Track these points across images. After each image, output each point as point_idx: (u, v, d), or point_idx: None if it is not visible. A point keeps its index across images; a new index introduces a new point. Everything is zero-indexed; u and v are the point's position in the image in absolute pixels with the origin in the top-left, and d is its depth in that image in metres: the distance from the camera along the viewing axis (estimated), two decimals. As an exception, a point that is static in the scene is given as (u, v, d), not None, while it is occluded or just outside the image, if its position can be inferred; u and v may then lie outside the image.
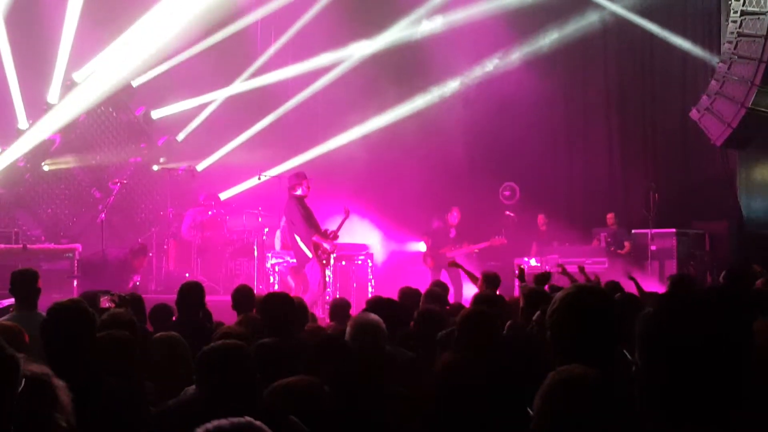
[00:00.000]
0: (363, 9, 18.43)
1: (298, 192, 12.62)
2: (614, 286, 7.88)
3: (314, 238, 12.42)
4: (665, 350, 2.32)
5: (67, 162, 16.92)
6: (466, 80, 18.12)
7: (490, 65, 17.93)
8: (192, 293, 7.28)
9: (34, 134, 16.47)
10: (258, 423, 2.00)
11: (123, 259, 14.72)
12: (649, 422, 2.36)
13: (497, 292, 9.24)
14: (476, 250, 15.22)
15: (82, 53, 16.88)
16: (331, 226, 13.04)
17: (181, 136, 18.75)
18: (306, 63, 18.48)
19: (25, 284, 6.83)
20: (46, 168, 16.66)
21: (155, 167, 17.75)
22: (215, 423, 1.96)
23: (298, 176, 12.83)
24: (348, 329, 5.19)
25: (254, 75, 18.85)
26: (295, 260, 13.23)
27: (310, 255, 12.41)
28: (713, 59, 15.87)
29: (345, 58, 18.45)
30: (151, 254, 15.66)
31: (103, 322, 5.22)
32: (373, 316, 5.33)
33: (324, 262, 12.52)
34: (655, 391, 2.33)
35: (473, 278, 10.96)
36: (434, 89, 18.25)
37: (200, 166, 18.33)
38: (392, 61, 18.29)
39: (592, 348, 3.16)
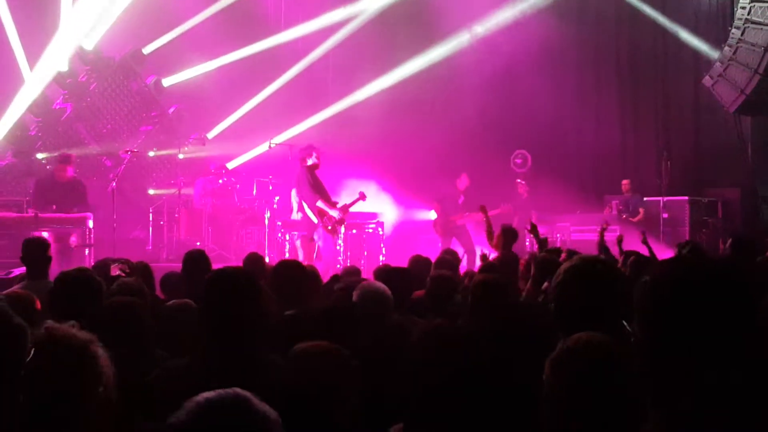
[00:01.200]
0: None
1: (309, 162, 12.67)
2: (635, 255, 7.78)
3: (318, 204, 12.47)
4: (664, 324, 2.18)
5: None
6: (478, 34, 18.03)
7: (505, 14, 17.82)
8: (196, 262, 7.24)
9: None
10: (246, 395, 1.98)
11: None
12: (646, 395, 2.28)
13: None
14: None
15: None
16: (343, 201, 13.11)
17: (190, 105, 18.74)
18: (315, 21, 18.43)
19: (35, 253, 6.85)
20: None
21: (150, 153, 17.67)
22: (204, 395, 1.94)
23: (308, 148, 12.88)
24: (354, 297, 5.19)
25: (264, 38, 18.84)
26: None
27: (315, 220, 12.47)
28: (715, 52, 15.79)
29: (355, 14, 18.39)
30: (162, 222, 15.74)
31: (111, 291, 5.23)
32: (379, 284, 5.32)
33: (329, 228, 12.52)
34: (653, 365, 2.21)
35: (490, 233, 10.78)
36: (445, 45, 18.19)
37: (211, 134, 18.33)
38: (402, 17, 18.28)
39: (597, 319, 3.13)
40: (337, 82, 18.79)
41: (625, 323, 3.84)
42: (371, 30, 18.40)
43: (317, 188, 12.65)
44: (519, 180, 17.00)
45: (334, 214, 12.56)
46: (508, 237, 9.57)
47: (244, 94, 18.64)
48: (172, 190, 16.02)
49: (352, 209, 13.13)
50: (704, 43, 16.66)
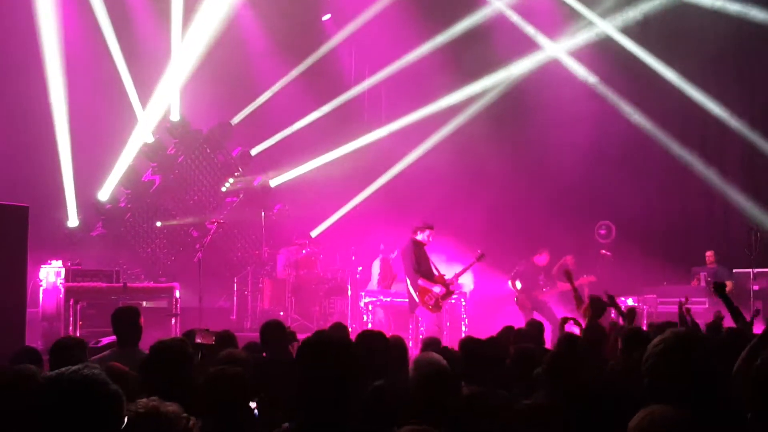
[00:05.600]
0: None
1: (419, 237, 12.72)
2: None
3: (420, 282, 12.45)
4: None
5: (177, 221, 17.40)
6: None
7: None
8: (274, 332, 7.26)
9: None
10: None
11: None
12: None
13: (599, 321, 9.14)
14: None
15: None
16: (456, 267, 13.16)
17: (274, 182, 19.07)
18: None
19: (126, 322, 6.95)
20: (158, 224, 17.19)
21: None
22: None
23: (422, 224, 12.92)
24: (411, 370, 5.13)
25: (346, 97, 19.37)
26: (389, 298, 13.59)
27: (416, 299, 12.46)
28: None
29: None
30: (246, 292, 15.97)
31: (219, 359, 5.31)
32: (436, 356, 5.25)
33: (431, 306, 12.46)
34: None
35: (579, 300, 10.64)
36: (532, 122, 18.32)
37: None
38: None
39: (688, 393, 3.11)
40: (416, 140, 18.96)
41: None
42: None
43: (419, 266, 12.61)
44: (603, 251, 16.76)
45: (436, 290, 12.53)
46: (595, 309, 9.42)
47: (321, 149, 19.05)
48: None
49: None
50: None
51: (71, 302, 12.42)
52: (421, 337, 13.08)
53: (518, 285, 14.99)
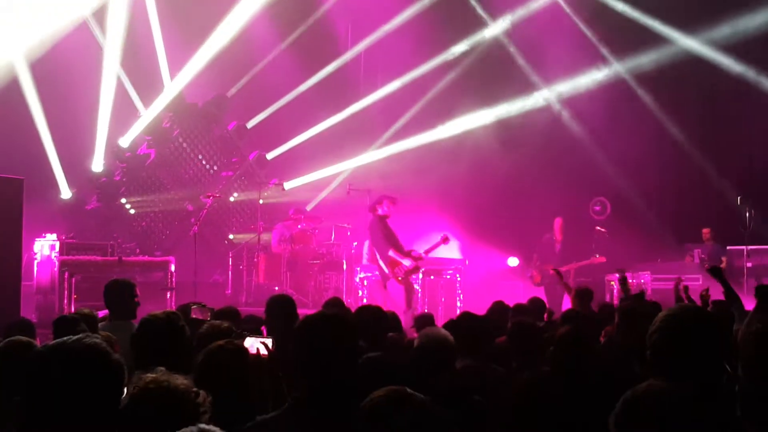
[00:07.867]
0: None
1: (380, 211, 12.76)
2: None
3: (390, 254, 12.48)
4: None
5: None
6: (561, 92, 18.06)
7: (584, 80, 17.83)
8: (281, 307, 7.22)
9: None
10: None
11: None
12: None
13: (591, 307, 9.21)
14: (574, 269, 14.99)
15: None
16: (424, 246, 13.08)
17: (271, 155, 18.99)
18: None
19: (118, 294, 6.95)
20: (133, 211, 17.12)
21: (231, 198, 18.14)
22: None
23: (379, 198, 13.01)
24: (416, 342, 5.16)
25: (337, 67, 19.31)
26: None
27: (386, 270, 12.50)
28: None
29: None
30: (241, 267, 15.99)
31: (201, 334, 5.24)
32: (442, 331, 5.29)
33: (400, 278, 12.49)
34: (761, 409, 2.20)
35: (568, 289, 10.82)
36: (527, 97, 18.26)
37: (288, 183, 18.54)
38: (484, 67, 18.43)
39: (693, 367, 3.13)
40: (415, 120, 18.88)
41: (727, 367, 3.80)
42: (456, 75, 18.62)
43: (388, 238, 12.67)
44: (598, 227, 16.75)
45: (405, 263, 12.54)
46: (584, 298, 9.54)
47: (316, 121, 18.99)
48: (252, 235, 16.24)
49: (433, 254, 13.12)
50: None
51: (66, 275, 12.43)
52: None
53: (533, 259, 15.14)
